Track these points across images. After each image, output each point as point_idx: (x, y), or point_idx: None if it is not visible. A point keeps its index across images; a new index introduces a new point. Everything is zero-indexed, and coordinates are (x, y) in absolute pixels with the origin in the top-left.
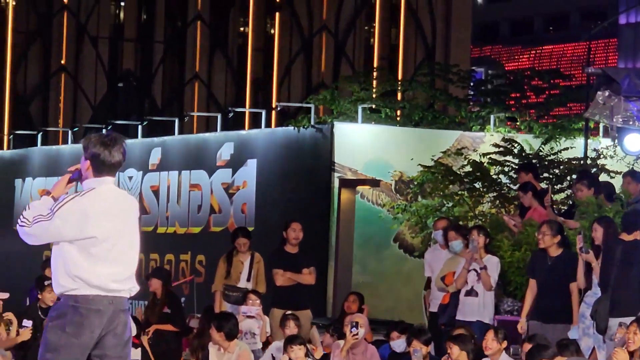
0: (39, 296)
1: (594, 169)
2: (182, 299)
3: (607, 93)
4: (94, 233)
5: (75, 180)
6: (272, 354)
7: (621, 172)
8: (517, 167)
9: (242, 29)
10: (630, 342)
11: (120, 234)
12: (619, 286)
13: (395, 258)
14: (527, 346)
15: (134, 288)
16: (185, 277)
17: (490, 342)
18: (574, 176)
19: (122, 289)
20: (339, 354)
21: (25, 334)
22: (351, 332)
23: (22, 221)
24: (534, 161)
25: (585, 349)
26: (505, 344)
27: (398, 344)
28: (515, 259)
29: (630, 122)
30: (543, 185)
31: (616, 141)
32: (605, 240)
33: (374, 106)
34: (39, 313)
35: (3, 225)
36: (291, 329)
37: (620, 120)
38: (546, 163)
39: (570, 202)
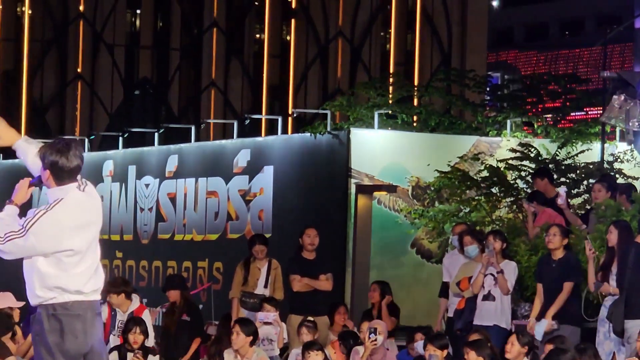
0: None
1: (611, 173)
2: (200, 306)
3: (622, 97)
4: (70, 245)
5: (34, 185)
6: None
7: (638, 177)
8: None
9: (258, 35)
10: None
11: (89, 245)
12: (633, 289)
13: (413, 264)
14: (548, 347)
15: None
16: (203, 285)
17: (512, 346)
18: (592, 180)
19: (97, 294)
20: None
21: None
22: (369, 338)
23: None
24: (550, 166)
25: (607, 353)
26: (526, 349)
27: (421, 344)
28: (533, 264)
29: None
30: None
31: (632, 145)
32: (620, 243)
33: (390, 112)
34: None
35: None
36: (306, 335)
37: (637, 124)
38: (563, 167)
39: (588, 207)
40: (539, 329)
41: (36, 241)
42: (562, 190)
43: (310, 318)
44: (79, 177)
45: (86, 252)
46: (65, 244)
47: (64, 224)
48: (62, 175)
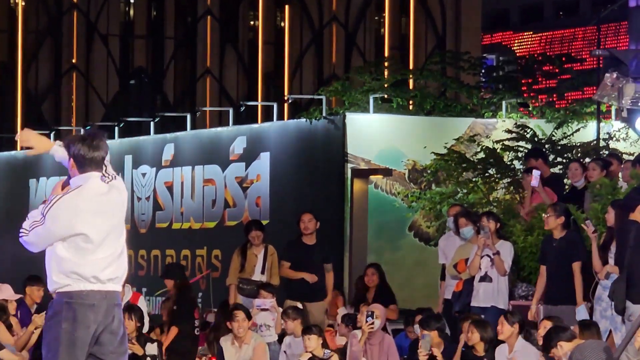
0: None
1: (606, 152)
2: (199, 294)
3: (615, 75)
4: (83, 230)
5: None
6: (284, 351)
7: (633, 153)
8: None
9: (252, 23)
10: None
11: (106, 233)
12: (634, 268)
13: (411, 247)
14: (542, 325)
15: (120, 284)
16: (202, 273)
17: (503, 326)
18: (587, 160)
19: (115, 284)
20: (357, 344)
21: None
22: (367, 321)
23: (21, 231)
24: (546, 146)
25: (603, 331)
26: (517, 327)
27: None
28: (528, 244)
29: (639, 104)
30: (557, 170)
31: (627, 123)
32: (617, 223)
33: (385, 96)
34: None
35: (19, 226)
36: (290, 322)
37: (629, 101)
38: (559, 147)
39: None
40: (581, 316)
41: (52, 225)
42: (535, 172)
43: (298, 304)
44: (107, 168)
45: (103, 241)
46: (78, 228)
47: (78, 208)
48: (85, 164)
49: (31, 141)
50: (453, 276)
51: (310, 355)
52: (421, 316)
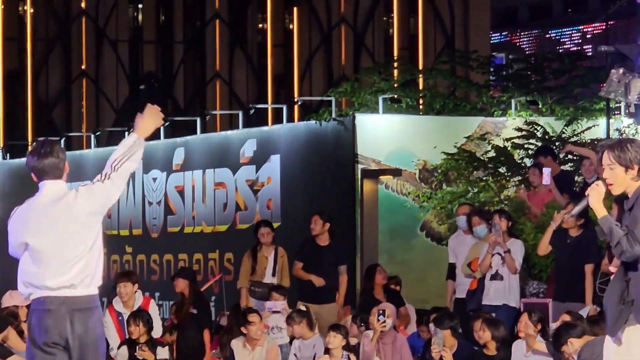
0: None
1: None
2: (212, 298)
3: (621, 71)
4: (28, 240)
5: None
6: (295, 354)
7: None
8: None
9: (260, 25)
10: None
11: (59, 241)
12: None
13: (423, 247)
14: (562, 319)
15: (87, 290)
16: (215, 276)
17: (525, 325)
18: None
19: (74, 290)
20: (369, 343)
21: None
22: (378, 320)
23: None
24: (557, 143)
25: None
26: (540, 326)
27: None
28: (539, 241)
29: None
30: (567, 167)
31: (634, 119)
32: (619, 219)
33: (395, 96)
34: None
35: None
36: (296, 324)
37: (636, 97)
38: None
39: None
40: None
41: (9, 236)
42: (546, 170)
43: (302, 307)
44: (105, 170)
45: (56, 249)
46: (24, 238)
47: (26, 219)
48: (37, 173)
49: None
50: (467, 275)
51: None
52: (435, 315)
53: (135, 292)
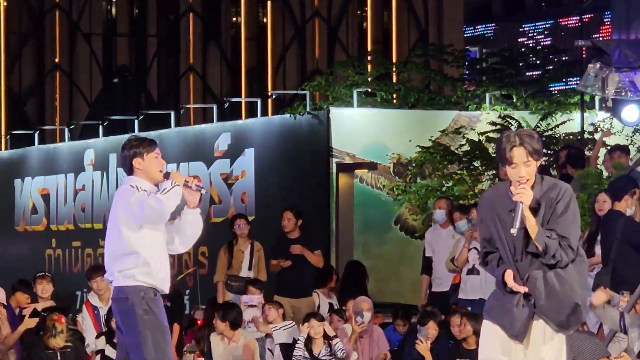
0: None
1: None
2: (187, 291)
3: (598, 65)
4: None
5: None
6: (268, 348)
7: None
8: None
9: (234, 19)
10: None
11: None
12: (620, 261)
13: (397, 241)
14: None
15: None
16: (189, 269)
17: None
18: None
19: (109, 277)
20: (347, 342)
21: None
22: (356, 321)
23: None
24: None
25: (593, 322)
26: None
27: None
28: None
29: (623, 94)
30: (542, 162)
31: (611, 113)
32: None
33: (369, 90)
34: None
35: (4, 226)
36: (271, 313)
37: (613, 91)
38: (544, 139)
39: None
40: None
41: None
42: None
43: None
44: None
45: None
46: None
47: None
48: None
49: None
50: (451, 270)
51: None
52: (400, 318)
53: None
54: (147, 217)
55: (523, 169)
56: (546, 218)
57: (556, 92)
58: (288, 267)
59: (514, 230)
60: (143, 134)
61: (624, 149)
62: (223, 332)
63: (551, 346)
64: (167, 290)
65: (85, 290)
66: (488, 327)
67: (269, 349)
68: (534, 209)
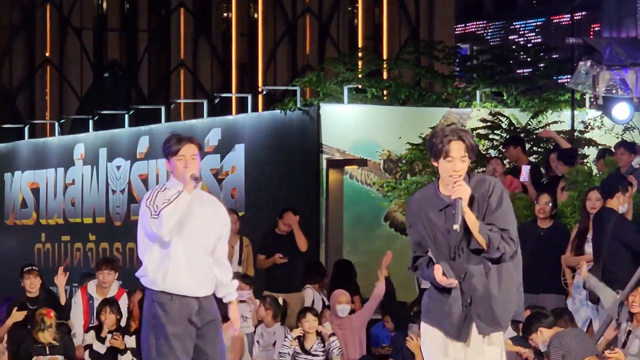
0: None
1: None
2: None
3: (589, 63)
4: None
5: None
6: (257, 341)
7: (604, 144)
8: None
9: (225, 14)
10: (634, 304)
11: None
12: (611, 258)
13: (387, 237)
14: (525, 314)
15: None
16: None
17: None
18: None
19: None
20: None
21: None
22: (336, 314)
23: None
24: (521, 135)
25: (583, 319)
26: None
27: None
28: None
29: (614, 91)
30: (532, 159)
31: (602, 112)
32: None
33: (360, 86)
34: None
35: None
36: (264, 312)
37: (604, 89)
38: (535, 137)
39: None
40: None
41: None
42: (525, 168)
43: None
44: None
45: None
46: None
47: None
48: None
49: None
50: None
51: (301, 332)
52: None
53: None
54: (153, 239)
55: (459, 164)
56: (481, 213)
57: (546, 89)
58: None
59: (456, 226)
60: (134, 129)
61: (627, 146)
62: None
63: (491, 347)
64: (192, 294)
65: (75, 284)
66: (427, 330)
67: (257, 341)
68: (469, 206)
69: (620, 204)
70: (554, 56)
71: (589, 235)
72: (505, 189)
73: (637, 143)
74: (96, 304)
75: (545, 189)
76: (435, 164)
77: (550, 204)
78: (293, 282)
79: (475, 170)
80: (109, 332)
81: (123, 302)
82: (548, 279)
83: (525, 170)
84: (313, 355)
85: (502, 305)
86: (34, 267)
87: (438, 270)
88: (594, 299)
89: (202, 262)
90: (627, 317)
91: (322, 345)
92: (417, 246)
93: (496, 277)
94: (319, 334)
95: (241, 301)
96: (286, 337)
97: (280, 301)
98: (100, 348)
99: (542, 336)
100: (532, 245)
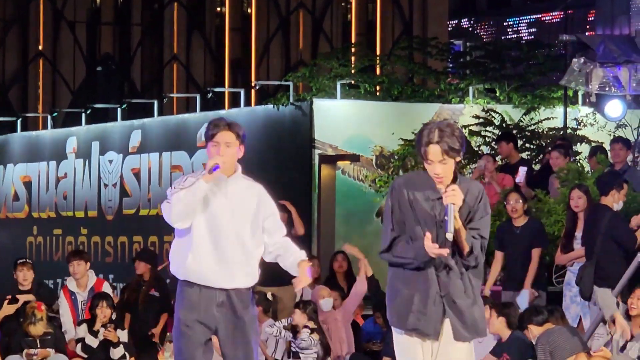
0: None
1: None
2: (167, 281)
3: (582, 60)
4: None
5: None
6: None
7: (597, 141)
8: (497, 137)
9: (218, 9)
10: (633, 307)
11: None
12: (604, 255)
13: (379, 232)
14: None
15: None
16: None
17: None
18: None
19: None
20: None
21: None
22: (320, 309)
23: None
24: (514, 132)
25: (573, 316)
26: (488, 310)
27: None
28: (496, 229)
29: (607, 89)
30: (524, 156)
31: (595, 109)
32: (587, 207)
33: (352, 82)
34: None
35: None
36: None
37: (597, 86)
38: (528, 134)
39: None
40: (522, 300)
41: None
42: (522, 169)
43: (269, 295)
44: None
45: None
46: None
47: None
48: None
49: None
50: None
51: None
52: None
53: (87, 270)
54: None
55: (438, 167)
56: (467, 217)
57: (539, 86)
58: None
59: (449, 235)
60: (126, 123)
61: (625, 142)
62: None
63: (461, 345)
64: (215, 285)
65: (66, 278)
66: (400, 339)
67: None
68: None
69: (615, 201)
70: (545, 54)
71: (577, 233)
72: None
73: (630, 140)
74: (80, 298)
75: (536, 184)
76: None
77: (521, 201)
78: (284, 276)
79: (468, 167)
80: (102, 325)
81: (108, 292)
82: (525, 276)
83: (522, 171)
84: (301, 349)
85: (478, 311)
86: (27, 260)
87: (428, 237)
88: (586, 295)
89: (232, 252)
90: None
91: (312, 342)
92: (397, 225)
93: (469, 283)
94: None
95: None
96: (274, 325)
97: (269, 296)
98: (93, 342)
99: (532, 333)
100: (510, 244)
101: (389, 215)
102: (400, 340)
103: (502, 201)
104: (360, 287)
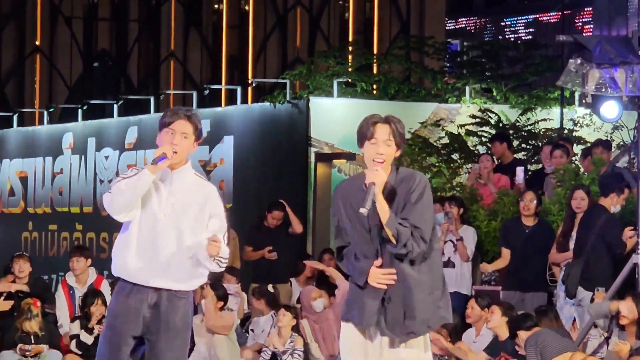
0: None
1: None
2: None
3: (579, 60)
4: None
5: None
6: (251, 329)
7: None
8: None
9: (216, 6)
10: (623, 317)
11: None
12: (593, 255)
13: None
14: (492, 310)
15: None
16: None
17: (471, 311)
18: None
19: None
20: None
21: (4, 305)
22: (313, 310)
23: None
24: (510, 132)
25: (567, 317)
26: (487, 311)
27: None
28: (492, 229)
29: (604, 90)
30: (520, 156)
31: (591, 110)
32: (588, 208)
33: (349, 80)
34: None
35: None
36: (257, 303)
37: (594, 87)
38: (524, 134)
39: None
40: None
41: None
42: (520, 169)
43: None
44: None
45: None
46: None
47: None
48: None
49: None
50: None
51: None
52: None
53: (88, 267)
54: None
55: (382, 147)
56: (400, 207)
57: (536, 86)
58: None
59: (364, 210)
60: (123, 119)
61: (606, 145)
62: (211, 310)
63: (409, 349)
64: (136, 281)
65: (61, 273)
66: (344, 328)
67: (251, 329)
68: (390, 199)
69: (613, 204)
70: (544, 53)
71: (574, 233)
72: (429, 187)
73: (625, 141)
74: (77, 293)
75: (529, 184)
76: (361, 149)
77: (535, 201)
78: (281, 273)
79: (464, 167)
80: (97, 322)
81: (105, 290)
82: (533, 278)
83: (520, 171)
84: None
85: (410, 312)
86: (24, 253)
87: (376, 265)
88: (571, 293)
89: (168, 250)
90: (617, 331)
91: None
92: (340, 234)
93: (410, 279)
94: (295, 328)
95: (228, 294)
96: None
97: (270, 288)
98: (88, 339)
99: (520, 338)
100: (518, 243)
101: (334, 221)
102: (345, 331)
103: (497, 201)
104: (343, 287)
